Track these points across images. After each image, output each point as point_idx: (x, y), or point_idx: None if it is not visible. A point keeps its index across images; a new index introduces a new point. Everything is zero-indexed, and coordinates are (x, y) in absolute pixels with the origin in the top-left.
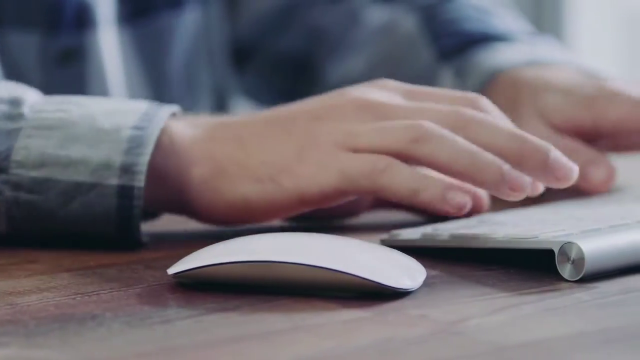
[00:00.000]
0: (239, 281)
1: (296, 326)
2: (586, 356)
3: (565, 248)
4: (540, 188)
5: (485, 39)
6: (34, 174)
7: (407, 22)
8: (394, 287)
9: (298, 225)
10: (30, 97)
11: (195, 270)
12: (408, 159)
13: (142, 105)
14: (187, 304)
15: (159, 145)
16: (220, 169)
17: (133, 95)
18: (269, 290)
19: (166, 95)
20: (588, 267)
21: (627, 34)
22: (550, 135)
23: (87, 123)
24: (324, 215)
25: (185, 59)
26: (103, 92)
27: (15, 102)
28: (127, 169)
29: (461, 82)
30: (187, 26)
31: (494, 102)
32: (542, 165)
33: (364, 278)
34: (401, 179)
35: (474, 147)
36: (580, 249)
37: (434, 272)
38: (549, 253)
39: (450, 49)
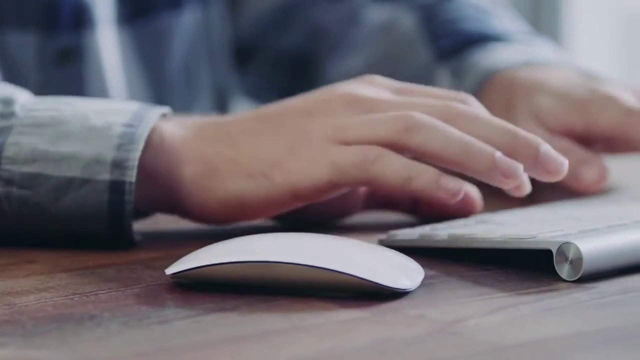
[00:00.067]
0: (237, 281)
1: (294, 326)
2: (584, 356)
3: (563, 248)
4: (528, 187)
5: (483, 39)
6: (25, 169)
7: (406, 21)
8: (391, 287)
9: (294, 226)
10: (22, 97)
11: (194, 270)
12: (399, 149)
13: (134, 106)
14: (185, 304)
15: (149, 144)
16: (211, 167)
17: (133, 95)
18: (267, 290)
19: (166, 95)
20: (586, 267)
21: (625, 34)
22: (543, 136)
23: (78, 121)
24: (316, 214)
25: (185, 59)
26: (102, 92)
27: (7, 101)
28: (118, 164)
29: (458, 82)
30: (186, 26)
31: (490, 102)
32: (533, 159)
33: (361, 278)
34: (393, 167)
35: (465, 136)
36: (578, 249)
37: (431, 272)
38: (547, 253)
39: (448, 50)
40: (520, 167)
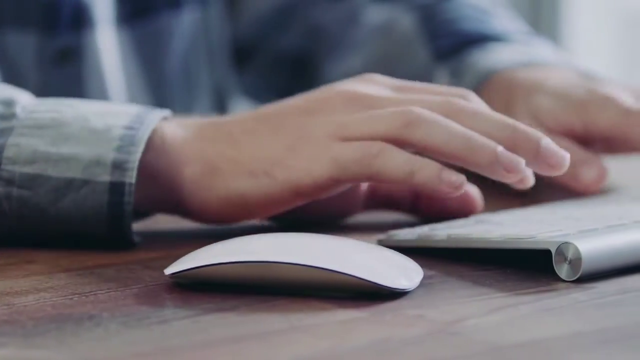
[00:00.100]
0: (236, 281)
1: (293, 326)
2: (583, 356)
3: (562, 248)
4: (531, 180)
5: (482, 39)
6: (26, 170)
7: (405, 21)
8: (390, 287)
9: (294, 226)
10: (23, 98)
11: (193, 270)
12: (401, 144)
13: (134, 108)
14: (184, 304)
15: (150, 145)
16: (212, 167)
17: (132, 95)
18: (266, 290)
19: (165, 95)
20: (585, 267)
21: (624, 34)
22: None
23: (79, 123)
24: (316, 214)
25: (184, 59)
26: (101, 92)
27: (8, 103)
28: (118, 166)
29: (457, 82)
30: (186, 26)
31: (489, 102)
32: (534, 153)
33: (360, 278)
34: (395, 162)
35: (467, 130)
36: (577, 249)
37: (431, 272)
38: (546, 253)
39: (447, 50)
40: (522, 161)
